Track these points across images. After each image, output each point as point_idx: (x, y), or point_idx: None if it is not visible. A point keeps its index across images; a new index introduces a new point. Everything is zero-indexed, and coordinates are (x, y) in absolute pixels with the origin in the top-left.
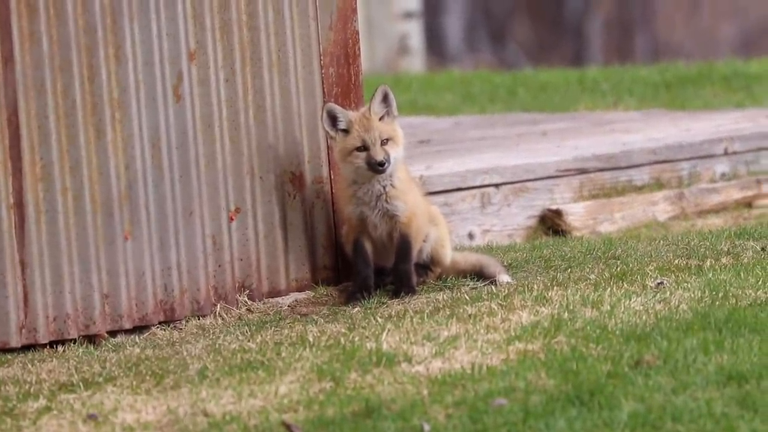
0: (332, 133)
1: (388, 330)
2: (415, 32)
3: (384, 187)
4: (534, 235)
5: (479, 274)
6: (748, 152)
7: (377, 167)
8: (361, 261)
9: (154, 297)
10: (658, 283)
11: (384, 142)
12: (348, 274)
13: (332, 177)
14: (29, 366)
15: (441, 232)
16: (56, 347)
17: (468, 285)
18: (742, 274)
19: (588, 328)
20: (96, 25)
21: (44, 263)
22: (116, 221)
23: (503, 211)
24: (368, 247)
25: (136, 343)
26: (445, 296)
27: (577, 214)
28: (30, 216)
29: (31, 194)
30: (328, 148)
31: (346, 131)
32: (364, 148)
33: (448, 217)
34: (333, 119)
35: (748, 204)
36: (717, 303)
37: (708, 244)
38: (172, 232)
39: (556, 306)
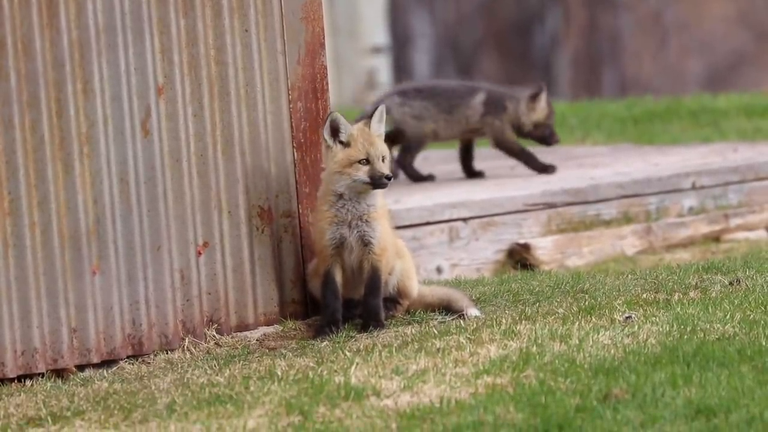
0: (331, 143)
1: (357, 364)
2: (383, 67)
3: (368, 206)
4: (502, 270)
5: (447, 308)
6: (716, 187)
7: (383, 180)
8: (330, 294)
9: (123, 331)
10: (627, 317)
11: (383, 159)
12: (316, 309)
13: (300, 211)
14: None
15: (406, 265)
16: (24, 381)
17: (436, 319)
18: (710, 309)
19: (556, 362)
20: (64, 60)
21: (12, 297)
22: (84, 256)
23: (471, 246)
24: (339, 278)
25: (105, 377)
26: (413, 330)
27: (545, 248)
28: None
29: None
30: (297, 182)
31: (345, 144)
32: (368, 161)
33: (417, 251)
34: (335, 130)
35: (716, 238)
36: (685, 337)
37: (676, 278)
38: (141, 266)
39: (525, 340)
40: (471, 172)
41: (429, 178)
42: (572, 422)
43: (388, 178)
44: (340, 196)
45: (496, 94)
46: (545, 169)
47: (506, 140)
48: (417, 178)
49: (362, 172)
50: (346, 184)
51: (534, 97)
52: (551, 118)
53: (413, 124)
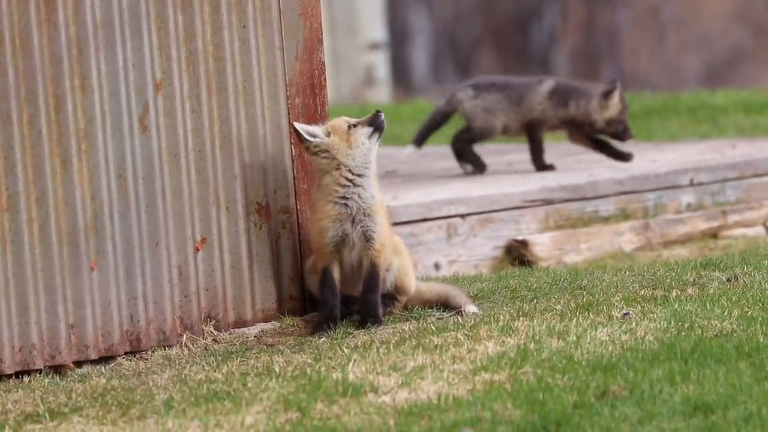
0: (321, 137)
1: (355, 360)
2: (381, 63)
3: (371, 197)
4: (500, 266)
5: (445, 305)
6: (714, 183)
7: (380, 117)
8: (328, 290)
9: (120, 327)
10: (624, 314)
11: None
12: (314, 305)
13: (298, 207)
14: None
15: (404, 261)
16: (22, 378)
17: (434, 315)
18: (707, 305)
19: (554, 358)
20: (62, 56)
21: (10, 294)
22: (82, 252)
23: (469, 242)
24: (336, 275)
25: (102, 373)
26: (411, 327)
27: (543, 244)
28: None
29: None
30: (295, 178)
31: (327, 135)
32: (354, 125)
33: (415, 247)
34: (311, 134)
35: (714, 235)
36: (683, 334)
37: (674, 274)
38: (138, 262)
39: (523, 336)
40: (542, 166)
41: (482, 167)
42: (570, 419)
43: (379, 111)
44: (346, 186)
45: (564, 87)
46: (545, 167)
47: (538, 131)
48: (476, 163)
49: (362, 130)
50: (360, 151)
51: (607, 95)
52: (624, 114)
53: (483, 117)
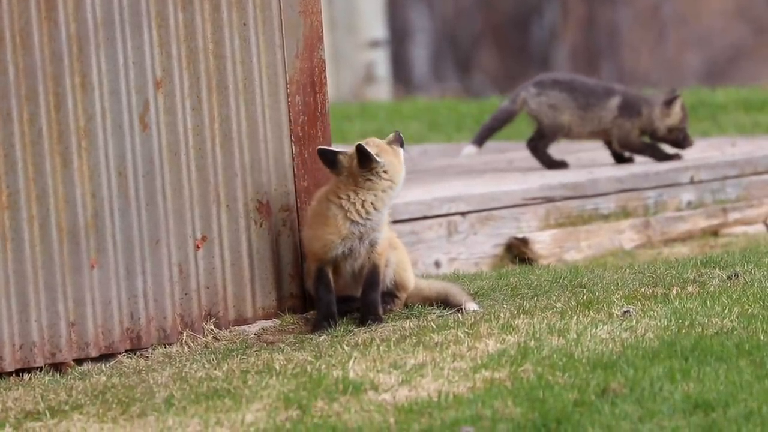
0: (379, 161)
1: (355, 358)
2: (381, 61)
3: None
4: (500, 264)
5: (445, 302)
6: (714, 181)
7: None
8: (323, 288)
9: (121, 325)
10: (625, 312)
11: None
12: (314, 304)
13: (299, 205)
14: None
15: (401, 256)
16: (22, 375)
17: (434, 313)
18: (708, 303)
19: (554, 356)
20: (62, 54)
21: (10, 291)
22: (83, 249)
23: (470, 240)
24: (330, 274)
25: (103, 371)
26: (411, 324)
27: (543, 242)
28: None
29: None
30: (295, 176)
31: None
32: None
33: (415, 245)
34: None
35: (714, 232)
36: (683, 331)
37: (674, 272)
38: (139, 260)
39: (523, 334)
40: (620, 159)
41: (562, 164)
42: (570, 417)
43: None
44: (384, 207)
45: (631, 99)
46: (670, 157)
47: (632, 142)
48: (550, 164)
49: (399, 149)
50: (405, 170)
51: (669, 103)
52: (685, 122)
53: (550, 115)
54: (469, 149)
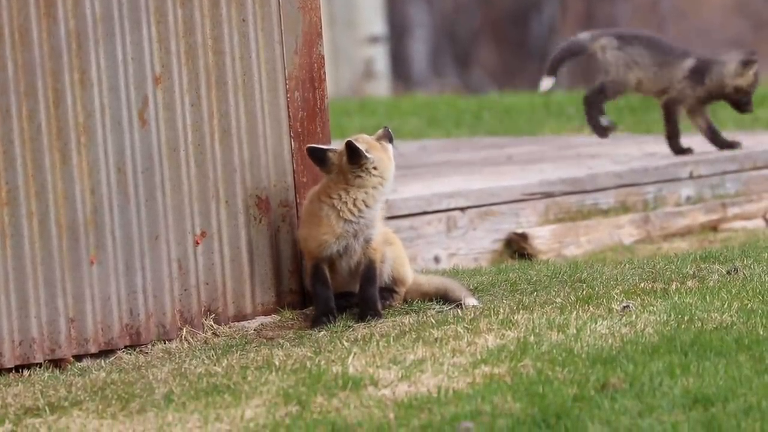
0: (368, 156)
1: (354, 354)
2: (380, 57)
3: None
4: (500, 259)
5: (444, 298)
6: (714, 176)
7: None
8: (320, 284)
9: (120, 321)
10: (624, 307)
11: None
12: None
13: (298, 201)
14: None
15: (397, 251)
16: (22, 371)
17: (434, 308)
18: (707, 298)
19: (554, 351)
20: (61, 50)
21: (10, 287)
22: (82, 246)
23: (469, 235)
24: (327, 272)
25: (102, 367)
26: (410, 320)
27: (542, 237)
28: None
29: None
30: (295, 172)
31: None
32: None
33: (414, 241)
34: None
35: (714, 227)
36: (683, 326)
37: (673, 267)
38: (138, 256)
39: (522, 329)
40: (679, 150)
41: (607, 130)
42: (570, 412)
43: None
44: (376, 204)
45: (702, 66)
46: (683, 151)
47: (675, 110)
48: (595, 126)
49: (388, 144)
50: (394, 166)
51: (746, 64)
52: (753, 87)
53: (621, 71)
54: (547, 82)
